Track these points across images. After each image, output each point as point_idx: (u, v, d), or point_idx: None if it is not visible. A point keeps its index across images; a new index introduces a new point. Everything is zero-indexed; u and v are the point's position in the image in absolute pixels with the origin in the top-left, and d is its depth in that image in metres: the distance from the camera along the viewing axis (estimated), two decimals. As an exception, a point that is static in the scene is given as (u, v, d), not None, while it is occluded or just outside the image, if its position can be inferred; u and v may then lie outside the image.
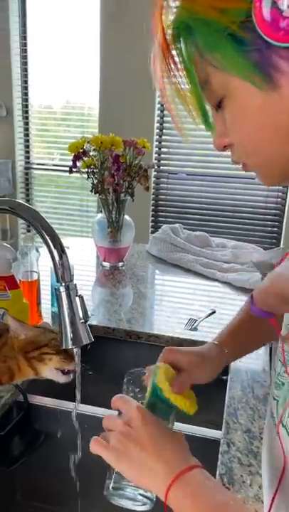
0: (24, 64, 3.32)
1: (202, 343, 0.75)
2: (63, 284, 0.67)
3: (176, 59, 0.44)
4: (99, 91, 3.02)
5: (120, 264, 1.68)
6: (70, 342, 0.66)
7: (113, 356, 1.21)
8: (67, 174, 1.59)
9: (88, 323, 1.20)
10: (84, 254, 1.83)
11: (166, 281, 1.67)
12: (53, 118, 3.52)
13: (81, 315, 0.67)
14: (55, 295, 0.68)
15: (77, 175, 1.59)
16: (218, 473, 0.70)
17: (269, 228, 2.99)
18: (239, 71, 0.41)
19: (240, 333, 0.74)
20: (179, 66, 0.44)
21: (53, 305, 1.23)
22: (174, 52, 0.44)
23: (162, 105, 3.01)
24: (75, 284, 0.69)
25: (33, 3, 3.20)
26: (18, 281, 1.06)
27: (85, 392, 0.81)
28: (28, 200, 3.63)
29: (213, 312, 1.28)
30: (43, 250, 0.98)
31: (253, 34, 0.38)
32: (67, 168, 1.58)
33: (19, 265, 1.13)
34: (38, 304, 1.14)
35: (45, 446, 0.90)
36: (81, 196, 3.48)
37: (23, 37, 3.26)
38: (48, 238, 0.69)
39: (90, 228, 1.96)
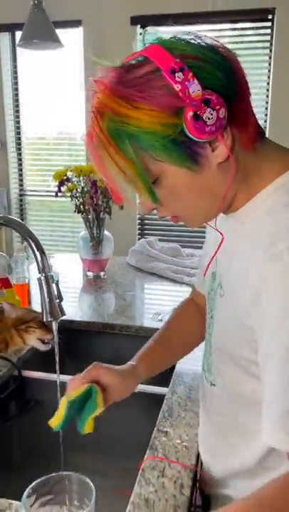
0: (16, 101, 3.65)
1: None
2: (43, 274, 0.93)
3: (120, 152, 0.57)
4: (85, 123, 3.34)
5: (102, 273, 1.94)
6: (48, 316, 0.91)
7: (94, 345, 1.45)
8: (60, 199, 1.87)
9: (73, 319, 1.45)
10: (73, 267, 2.09)
11: (142, 286, 1.92)
12: (46, 148, 3.83)
13: (57, 296, 0.92)
14: (38, 283, 0.93)
15: (69, 199, 1.86)
16: (161, 410, 0.94)
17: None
18: (178, 163, 0.58)
19: (153, 355, 0.88)
20: (122, 157, 0.57)
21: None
22: (115, 146, 0.57)
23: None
24: (52, 275, 0.94)
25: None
26: (12, 284, 1.31)
27: (72, 371, 1.05)
28: (22, 224, 3.91)
29: (177, 307, 1.53)
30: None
31: (186, 137, 0.56)
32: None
33: (13, 272, 1.39)
34: (29, 303, 1.39)
35: (35, 409, 1.14)
36: (73, 218, 3.75)
37: (14, 76, 3.60)
38: (32, 244, 0.95)
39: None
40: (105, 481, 0.72)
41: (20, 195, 3.86)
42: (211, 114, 0.55)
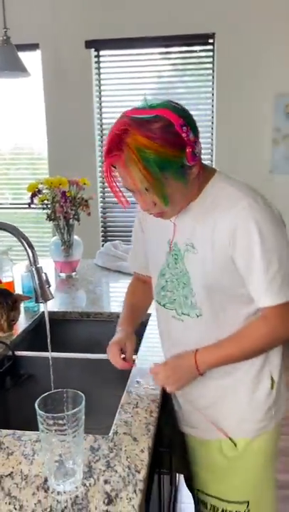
0: (-21, 119, 3.83)
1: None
2: (35, 266, 1.17)
3: (147, 169, 0.87)
4: (47, 140, 3.57)
5: (74, 273, 2.18)
6: (40, 298, 1.15)
7: (72, 330, 1.69)
8: (22, 211, 2.09)
9: (53, 310, 1.68)
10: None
11: (109, 282, 2.18)
12: (4, 163, 4.01)
13: (46, 282, 1.17)
14: (31, 273, 1.17)
15: (33, 210, 2.09)
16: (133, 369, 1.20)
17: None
18: (179, 178, 0.92)
19: (130, 319, 1.26)
20: (148, 172, 0.88)
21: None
22: (144, 165, 0.87)
23: (101, 147, 3.61)
24: (42, 266, 1.18)
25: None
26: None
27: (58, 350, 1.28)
28: (-11, 236, 4.06)
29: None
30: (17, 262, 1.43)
31: (184, 163, 0.91)
32: (24, 205, 2.08)
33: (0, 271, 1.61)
34: (15, 297, 1.61)
35: (26, 382, 1.37)
36: (37, 229, 3.96)
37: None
38: (24, 242, 1.19)
39: (46, 253, 2.44)
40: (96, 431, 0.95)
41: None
42: (198, 150, 0.93)
